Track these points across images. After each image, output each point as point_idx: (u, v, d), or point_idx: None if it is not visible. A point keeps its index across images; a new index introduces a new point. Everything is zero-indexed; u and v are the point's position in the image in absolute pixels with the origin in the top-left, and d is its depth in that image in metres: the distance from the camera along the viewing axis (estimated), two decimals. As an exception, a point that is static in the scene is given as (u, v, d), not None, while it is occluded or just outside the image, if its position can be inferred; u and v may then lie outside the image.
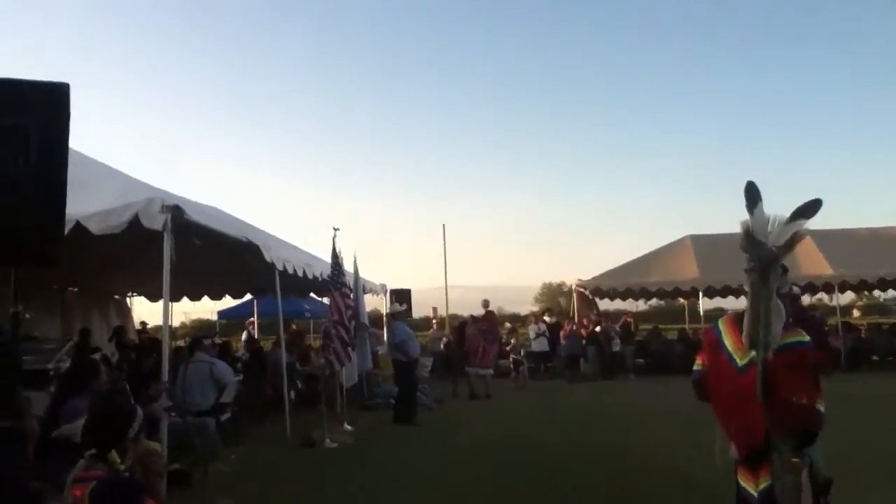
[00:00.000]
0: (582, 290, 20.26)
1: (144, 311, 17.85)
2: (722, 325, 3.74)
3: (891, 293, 23.75)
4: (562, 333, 18.94)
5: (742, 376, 3.46)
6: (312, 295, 16.58)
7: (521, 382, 16.59)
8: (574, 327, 19.06)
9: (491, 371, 15.07)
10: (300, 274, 10.44)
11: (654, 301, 25.45)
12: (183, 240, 7.00)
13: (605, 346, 18.39)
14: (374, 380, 14.20)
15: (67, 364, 8.20)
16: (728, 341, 3.63)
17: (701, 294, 19.16)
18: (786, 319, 3.53)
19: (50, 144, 3.07)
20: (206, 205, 8.82)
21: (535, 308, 34.72)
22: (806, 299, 22.07)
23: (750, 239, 3.44)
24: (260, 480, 7.41)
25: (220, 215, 8.59)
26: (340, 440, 9.42)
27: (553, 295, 53.24)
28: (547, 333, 19.67)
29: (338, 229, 10.10)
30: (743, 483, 3.54)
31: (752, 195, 3.58)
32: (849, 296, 25.76)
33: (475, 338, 14.84)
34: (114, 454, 3.01)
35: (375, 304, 18.09)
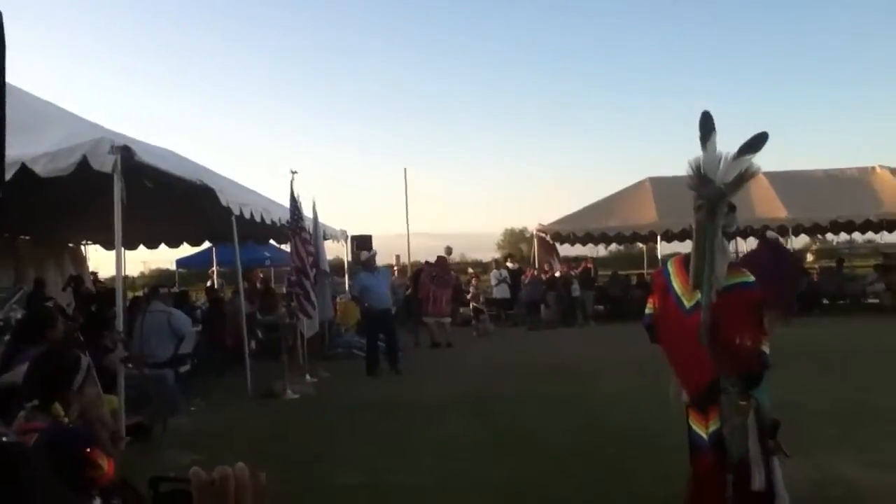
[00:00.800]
0: (542, 235, 20.30)
1: (101, 259, 17.47)
2: (671, 267, 3.73)
3: (843, 237, 24.19)
4: (523, 279, 19.06)
5: (688, 318, 3.47)
6: (273, 242, 16.39)
7: (483, 331, 16.69)
8: (535, 273, 19.15)
9: (448, 318, 15.02)
10: (258, 219, 10.24)
11: (613, 246, 25.71)
12: (134, 183, 6.81)
13: (564, 292, 18.52)
14: (336, 329, 14.16)
15: (19, 314, 8.00)
16: (676, 283, 3.63)
17: (659, 238, 19.33)
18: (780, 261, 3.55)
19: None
20: (160, 147, 8.56)
21: (499, 255, 34.92)
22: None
23: (698, 176, 3.42)
24: (220, 433, 7.35)
25: (173, 158, 8.33)
26: (302, 391, 9.40)
27: (515, 241, 53.37)
28: (508, 280, 19.78)
29: (295, 172, 9.95)
30: (694, 426, 3.59)
31: (707, 126, 3.54)
32: (804, 239, 26.29)
33: (425, 285, 14.72)
34: (57, 406, 2.94)
35: (337, 250, 17.95)
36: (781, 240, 17.62)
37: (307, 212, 10.90)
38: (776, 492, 3.55)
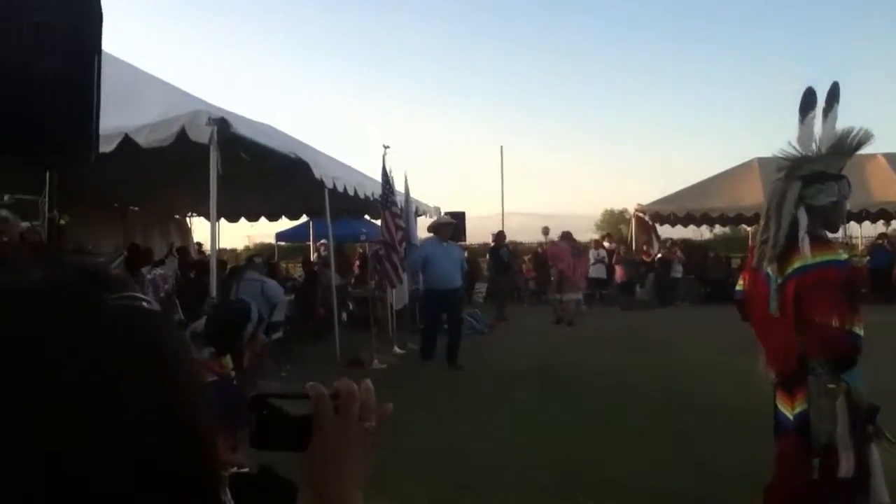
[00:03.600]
0: (641, 215, 19.80)
1: (206, 231, 18.22)
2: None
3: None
4: (614, 260, 18.73)
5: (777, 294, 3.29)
6: (367, 217, 16.65)
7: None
8: (623, 252, 18.81)
9: (581, 294, 14.83)
10: (352, 193, 10.41)
11: (718, 228, 24.77)
12: (231, 155, 7.03)
13: (662, 273, 18.06)
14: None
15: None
16: (755, 260, 3.48)
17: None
18: (819, 234, 3.31)
19: (78, 45, 3.02)
20: (256, 120, 8.81)
21: (597, 236, 34.42)
22: (881, 227, 21.17)
23: (794, 147, 3.31)
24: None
25: (269, 131, 8.55)
26: (389, 361, 9.55)
27: (615, 222, 52.45)
28: (606, 260, 19.44)
29: (388, 147, 9.99)
30: (780, 406, 3.40)
31: (807, 103, 3.42)
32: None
33: (564, 258, 14.50)
34: (227, 359, 3.04)
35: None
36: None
37: (399, 187, 10.99)
38: (872, 482, 3.32)
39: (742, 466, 4.49)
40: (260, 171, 9.19)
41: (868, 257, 19.25)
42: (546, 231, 22.68)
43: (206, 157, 6.76)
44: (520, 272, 20.17)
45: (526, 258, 21.72)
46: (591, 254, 20.25)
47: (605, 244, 20.68)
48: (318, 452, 0.81)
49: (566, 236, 15.33)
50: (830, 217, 3.41)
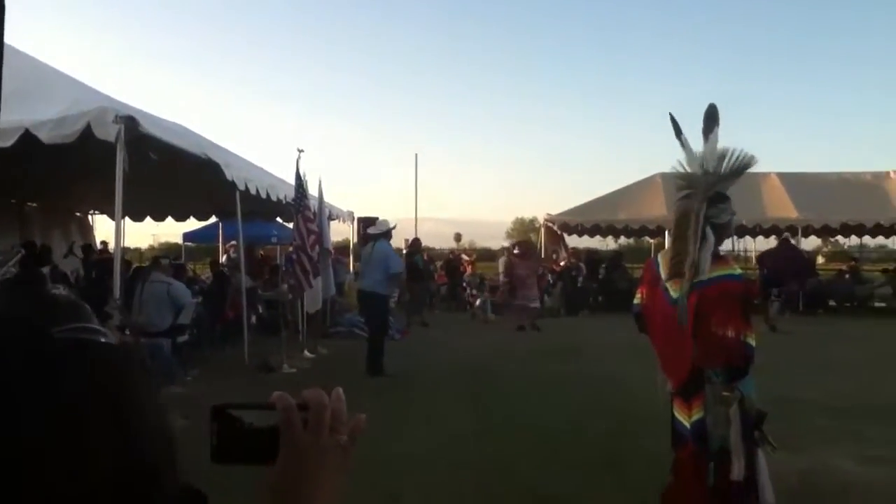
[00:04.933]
0: (550, 225, 20.27)
1: (110, 230, 17.57)
2: (661, 259, 3.74)
3: (854, 240, 24.02)
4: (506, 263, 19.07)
5: (675, 308, 3.46)
6: (279, 220, 16.43)
7: (483, 318, 16.71)
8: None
9: (537, 302, 15.02)
10: (264, 196, 10.28)
11: (624, 239, 25.59)
12: (139, 154, 6.84)
13: (570, 281, 18.53)
14: (339, 308, 14.19)
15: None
16: (665, 274, 3.63)
17: (667, 233, 19.23)
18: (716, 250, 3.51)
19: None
20: (167, 119, 8.58)
21: (507, 243, 34.96)
22: (773, 242, 22.37)
23: (690, 166, 3.48)
24: (213, 401, 7.36)
25: (180, 130, 8.34)
26: (299, 366, 9.45)
27: (525, 230, 53.29)
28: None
29: (302, 150, 9.91)
30: (677, 414, 3.57)
31: (710, 119, 3.58)
32: (816, 242, 26.16)
33: (515, 268, 14.92)
34: None
35: (343, 231, 17.98)
36: (793, 240, 17.73)
37: (313, 191, 10.91)
38: (759, 483, 3.53)
39: (656, 471, 4.63)
40: (168, 170, 8.96)
41: (759, 271, 20.31)
42: (458, 237, 22.92)
43: (111, 155, 6.55)
44: (432, 278, 20.30)
45: (438, 264, 21.85)
46: (501, 261, 20.59)
47: (516, 252, 21.04)
48: (286, 468, 0.75)
49: (521, 246, 15.64)
50: (724, 233, 3.64)
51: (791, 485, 4.63)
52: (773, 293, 15.65)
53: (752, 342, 3.44)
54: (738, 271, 3.70)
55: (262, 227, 17.06)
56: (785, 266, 16.02)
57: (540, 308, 15.02)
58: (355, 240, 17.47)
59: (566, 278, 18.48)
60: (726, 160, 3.52)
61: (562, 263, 18.90)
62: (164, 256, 11.57)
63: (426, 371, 9.37)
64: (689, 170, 3.58)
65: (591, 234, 21.25)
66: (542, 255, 19.98)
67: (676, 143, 3.71)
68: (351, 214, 16.56)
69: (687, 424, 3.50)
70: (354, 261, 15.81)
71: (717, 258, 3.54)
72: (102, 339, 0.61)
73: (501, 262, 20.60)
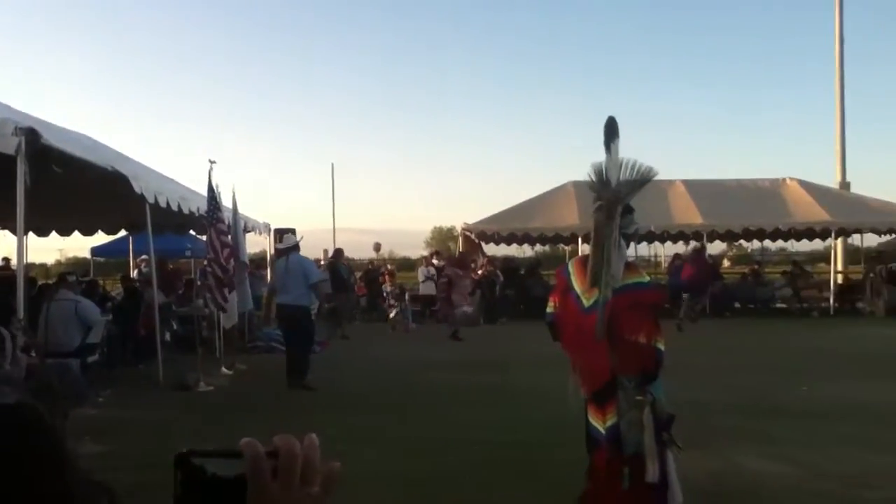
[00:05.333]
0: (468, 233, 20.45)
1: (12, 246, 16.74)
2: (571, 267, 3.84)
3: (757, 244, 25.16)
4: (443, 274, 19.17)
5: (588, 316, 3.57)
6: (193, 233, 16.02)
7: (402, 327, 16.71)
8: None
9: (468, 308, 15.08)
10: (175, 208, 10.00)
11: (540, 247, 26.05)
12: (43, 167, 6.58)
13: (488, 290, 18.72)
14: (257, 322, 13.93)
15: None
16: (576, 282, 3.73)
17: (580, 240, 19.69)
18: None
19: None
20: (74, 131, 8.26)
21: (426, 252, 35.10)
22: (680, 247, 23.28)
23: (599, 179, 3.57)
24: (125, 425, 7.14)
25: (87, 142, 8.06)
26: (217, 383, 9.23)
27: (444, 239, 53.60)
28: (435, 277, 19.85)
29: (214, 162, 9.73)
30: (592, 420, 3.69)
31: (611, 131, 3.69)
32: (722, 246, 27.35)
33: (448, 278, 14.96)
34: None
35: (260, 243, 17.68)
36: (698, 244, 18.50)
37: (227, 202, 10.71)
38: (669, 483, 3.68)
39: (573, 477, 4.72)
40: (74, 183, 8.64)
41: (668, 276, 21.07)
42: (377, 247, 22.84)
43: (9, 168, 6.28)
44: (353, 289, 20.17)
45: (357, 275, 21.71)
46: (420, 271, 20.67)
47: (434, 261, 21.15)
48: None
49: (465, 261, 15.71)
50: (629, 242, 3.80)
51: (700, 484, 4.81)
52: (685, 297, 16.33)
53: (662, 347, 3.60)
54: (647, 279, 3.87)
55: (175, 240, 16.59)
56: (699, 272, 16.73)
57: (475, 317, 15.18)
58: (272, 252, 17.19)
59: (484, 286, 18.66)
60: (628, 172, 3.65)
61: (480, 272, 19.08)
62: (72, 273, 11.14)
63: (349, 385, 9.29)
64: (598, 181, 3.69)
65: (508, 242, 21.55)
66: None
67: (596, 151, 3.78)
68: (267, 226, 16.28)
69: (602, 430, 3.62)
70: (273, 273, 15.55)
71: (627, 266, 3.69)
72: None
73: (421, 271, 20.70)
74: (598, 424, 3.65)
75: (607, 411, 3.60)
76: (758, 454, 5.72)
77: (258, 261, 17.26)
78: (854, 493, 4.76)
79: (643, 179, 3.66)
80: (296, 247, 9.93)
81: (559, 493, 4.55)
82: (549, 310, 4.04)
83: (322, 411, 7.71)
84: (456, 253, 21.50)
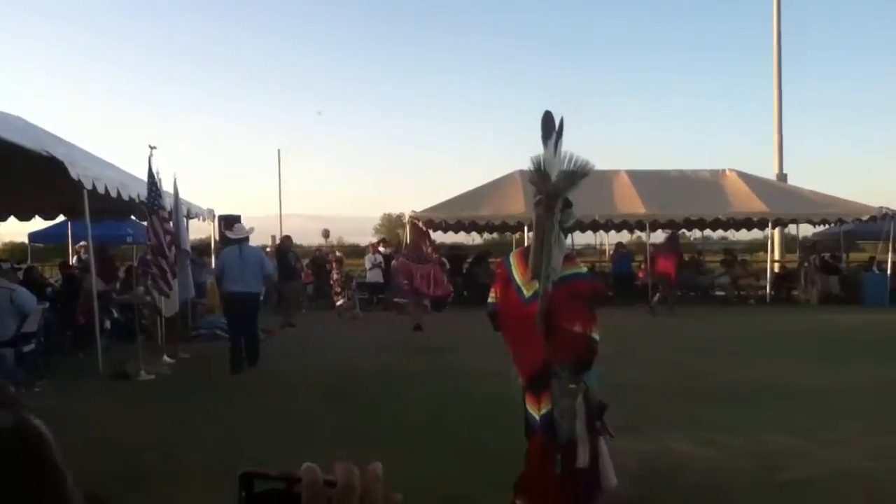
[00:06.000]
0: (415, 221, 20.47)
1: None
2: (512, 259, 3.92)
3: (699, 233, 25.75)
4: (392, 265, 19.18)
5: (527, 307, 3.66)
6: (134, 219, 15.70)
7: (351, 315, 16.70)
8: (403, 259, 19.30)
9: (427, 300, 14.96)
10: (114, 194, 9.81)
11: (491, 235, 26.21)
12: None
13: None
14: (200, 310, 13.79)
15: None
16: (517, 274, 3.82)
17: (526, 229, 19.90)
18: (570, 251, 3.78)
19: None
20: (5, 112, 8.04)
21: (375, 239, 34.95)
22: (625, 236, 23.71)
23: (538, 173, 3.62)
24: (63, 414, 7.01)
25: (19, 125, 7.87)
26: (158, 372, 9.12)
27: (393, 226, 53.55)
28: (382, 264, 19.89)
29: (154, 147, 9.56)
30: (528, 408, 3.79)
31: (548, 125, 3.74)
32: (663, 235, 27.79)
33: (405, 265, 14.74)
34: None
35: (204, 230, 17.44)
36: (642, 234, 18.91)
37: (169, 188, 10.55)
38: (602, 469, 3.81)
39: (511, 462, 4.82)
40: (7, 167, 8.42)
41: (612, 264, 21.51)
42: (326, 233, 22.70)
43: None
44: (300, 277, 20.05)
45: (304, 262, 21.57)
46: (367, 258, 20.65)
47: (381, 249, 21.16)
48: None
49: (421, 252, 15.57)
50: (567, 234, 3.89)
51: (632, 468, 4.99)
52: (658, 286, 17.11)
53: (597, 336, 3.71)
54: (585, 270, 3.97)
55: (116, 226, 16.26)
56: (672, 261, 17.28)
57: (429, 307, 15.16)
58: (217, 238, 16.96)
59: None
60: (566, 166, 3.72)
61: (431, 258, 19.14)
62: (6, 260, 10.85)
63: (293, 372, 9.28)
64: (538, 175, 3.75)
65: (456, 230, 21.64)
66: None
67: (539, 143, 3.80)
68: (212, 212, 16.05)
69: (537, 417, 3.73)
70: (218, 261, 15.34)
71: (565, 258, 3.79)
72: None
73: (368, 258, 20.68)
74: (534, 411, 3.75)
75: (542, 399, 3.70)
76: (686, 437, 5.92)
77: (202, 248, 17.03)
78: (769, 474, 4.97)
79: (581, 173, 3.72)
80: (246, 238, 10.34)
81: (497, 477, 4.63)
82: (490, 300, 4.13)
83: (264, 398, 7.73)
84: (404, 241, 21.52)
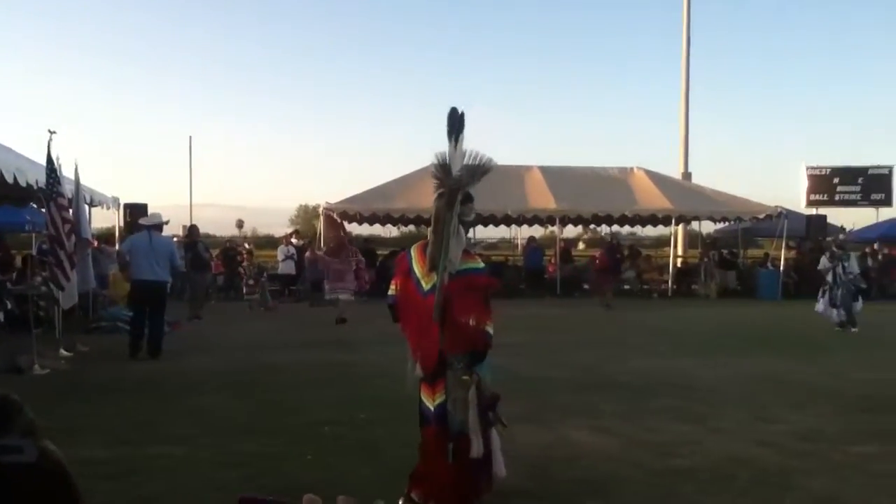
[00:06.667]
0: (330, 213, 20.33)
1: None
2: (413, 252, 3.99)
3: (614, 228, 26.55)
4: (306, 256, 19.02)
5: (425, 299, 3.75)
6: (34, 206, 15.03)
7: (259, 306, 16.47)
8: (317, 251, 19.17)
9: (350, 293, 14.56)
10: (10, 180, 9.36)
11: (407, 228, 26.24)
12: None
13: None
14: (102, 301, 13.32)
15: None
16: (417, 267, 3.90)
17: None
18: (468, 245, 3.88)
19: None
20: None
21: (290, 230, 34.51)
22: (537, 230, 24.15)
23: (441, 167, 3.73)
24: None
25: None
26: (53, 366, 8.76)
27: (310, 217, 52.96)
28: (295, 256, 19.68)
29: (54, 132, 9.19)
30: (423, 398, 3.88)
31: (453, 121, 3.83)
32: (577, 230, 28.51)
33: (324, 259, 14.66)
34: None
35: (109, 219, 16.85)
36: (552, 228, 19.33)
37: (70, 175, 10.16)
38: (493, 459, 3.94)
39: (409, 453, 4.88)
40: None
41: (524, 258, 21.91)
42: (240, 224, 22.26)
43: None
44: (210, 268, 19.64)
45: (214, 253, 21.10)
46: (280, 249, 20.39)
47: (294, 240, 20.94)
48: None
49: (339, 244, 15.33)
50: (468, 229, 4.00)
51: (531, 457, 5.13)
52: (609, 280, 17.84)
53: (491, 330, 3.83)
54: (482, 265, 4.07)
55: (13, 213, 15.56)
56: (611, 257, 17.96)
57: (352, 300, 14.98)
58: (122, 226, 16.43)
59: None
60: (469, 162, 3.82)
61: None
62: None
63: (196, 366, 9.07)
64: (441, 170, 3.83)
65: (371, 223, 21.63)
66: (321, 244, 20.00)
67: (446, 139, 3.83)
68: (116, 200, 15.50)
69: (431, 407, 3.82)
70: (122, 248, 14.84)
71: (463, 252, 3.89)
72: (23, 458, 0.63)
73: (280, 250, 20.43)
74: (429, 402, 3.84)
75: (437, 390, 3.79)
76: (585, 427, 6.10)
77: (106, 237, 16.47)
78: (663, 461, 5.20)
79: (483, 169, 3.83)
80: (158, 226, 10.33)
81: (397, 469, 4.67)
82: (390, 292, 4.18)
83: (164, 393, 7.54)
84: (318, 232, 21.33)
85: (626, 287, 20.93)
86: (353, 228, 21.87)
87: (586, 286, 20.73)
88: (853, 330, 12.80)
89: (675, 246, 22.92)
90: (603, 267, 18.02)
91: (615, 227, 23.62)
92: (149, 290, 9.80)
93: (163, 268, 9.90)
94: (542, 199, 19.98)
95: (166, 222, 10.76)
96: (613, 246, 19.35)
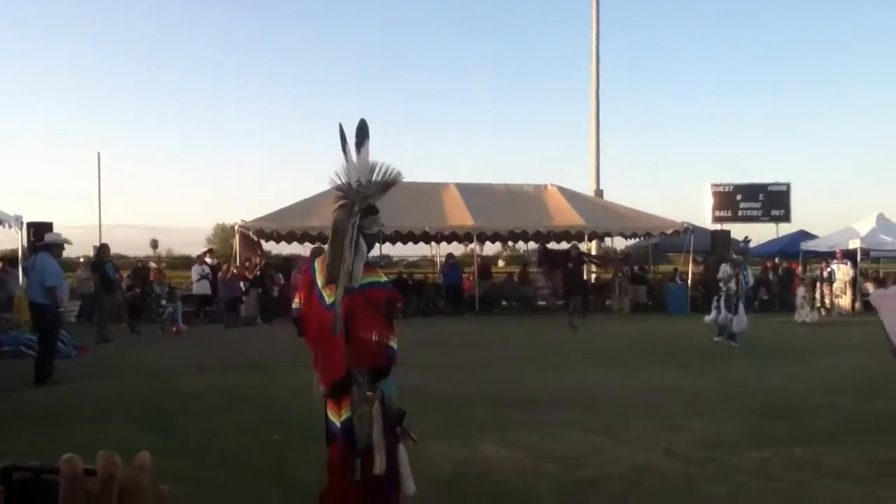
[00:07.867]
0: (245, 231, 20.00)
1: None
2: (317, 264, 3.95)
3: (532, 245, 26.98)
4: (220, 276, 18.67)
5: (328, 313, 3.70)
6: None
7: (171, 328, 16.14)
8: (235, 270, 18.86)
9: None
10: None
11: (325, 246, 25.97)
12: None
13: (266, 289, 18.54)
14: (4, 325, 12.75)
15: None
16: (320, 280, 3.88)
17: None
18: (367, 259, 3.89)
19: None
20: None
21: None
22: (456, 248, 24.38)
23: (342, 177, 3.75)
24: None
25: None
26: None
27: (227, 236, 51.77)
28: (210, 276, 19.27)
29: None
30: (329, 414, 3.86)
31: (361, 133, 3.85)
32: (495, 246, 28.87)
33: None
34: None
35: (11, 239, 16.15)
36: (472, 246, 19.54)
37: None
38: (400, 475, 3.97)
39: (319, 473, 4.86)
40: None
41: (442, 275, 22.07)
42: (154, 244, 21.69)
43: None
44: (120, 289, 19.00)
45: (125, 273, 20.43)
46: (194, 269, 19.92)
47: (208, 260, 20.50)
48: None
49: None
50: (373, 243, 4.02)
51: (445, 473, 5.20)
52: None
53: (395, 345, 3.85)
54: (384, 279, 4.06)
55: None
56: (573, 275, 18.11)
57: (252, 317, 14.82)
58: (25, 246, 15.76)
59: (260, 285, 18.49)
60: (375, 174, 3.84)
61: (257, 272, 18.80)
62: None
63: (104, 393, 8.71)
64: (344, 181, 3.81)
65: (288, 241, 21.34)
66: (238, 263, 19.67)
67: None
68: (19, 219, 14.88)
69: (337, 423, 3.81)
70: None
71: (368, 265, 3.90)
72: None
73: (195, 269, 19.94)
74: (335, 418, 3.82)
75: (342, 406, 3.77)
76: (497, 441, 6.20)
77: (11, 258, 15.79)
78: (569, 473, 5.35)
79: (390, 182, 3.85)
80: (52, 246, 9.87)
81: (306, 491, 4.65)
82: (294, 305, 4.12)
83: (69, 420, 7.24)
84: (234, 252, 20.96)
85: (542, 303, 21.34)
86: (271, 247, 21.57)
87: (504, 302, 21.02)
88: (734, 345, 12.71)
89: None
90: (567, 280, 17.97)
91: (531, 244, 24.04)
92: (32, 313, 9.79)
93: (38, 289, 9.41)
94: (460, 215, 20.17)
95: (66, 241, 10.33)
96: (579, 255, 19.03)
